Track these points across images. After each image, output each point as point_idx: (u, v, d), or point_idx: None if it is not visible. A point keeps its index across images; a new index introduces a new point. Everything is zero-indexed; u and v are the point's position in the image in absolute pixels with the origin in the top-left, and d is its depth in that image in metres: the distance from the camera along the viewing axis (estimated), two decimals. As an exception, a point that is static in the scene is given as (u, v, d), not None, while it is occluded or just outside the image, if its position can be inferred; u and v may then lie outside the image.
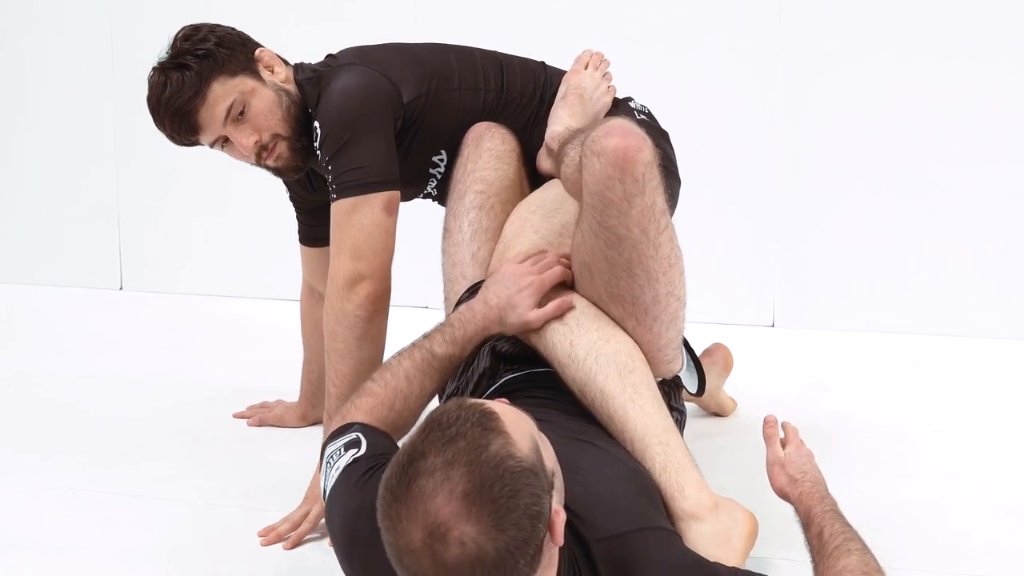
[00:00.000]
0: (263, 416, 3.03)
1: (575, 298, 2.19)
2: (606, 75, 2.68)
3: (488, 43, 2.79)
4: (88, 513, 2.50)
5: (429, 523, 1.47)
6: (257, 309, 4.08)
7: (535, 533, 1.50)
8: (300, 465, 2.60)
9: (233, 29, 2.58)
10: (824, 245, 3.78)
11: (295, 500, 2.40)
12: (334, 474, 1.88)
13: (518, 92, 2.65)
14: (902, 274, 3.71)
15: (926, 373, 3.37)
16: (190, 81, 2.45)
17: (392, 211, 2.45)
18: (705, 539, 1.96)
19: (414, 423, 2.03)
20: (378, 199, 2.43)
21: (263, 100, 2.50)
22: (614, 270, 2.11)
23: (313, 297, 2.97)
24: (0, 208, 4.61)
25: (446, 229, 2.53)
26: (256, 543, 2.30)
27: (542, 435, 1.63)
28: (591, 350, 2.13)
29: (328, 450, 1.93)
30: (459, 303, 2.37)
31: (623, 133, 2.04)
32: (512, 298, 2.18)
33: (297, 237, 2.95)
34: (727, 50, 3.79)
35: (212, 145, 2.55)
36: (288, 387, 3.08)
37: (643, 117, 2.65)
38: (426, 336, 2.18)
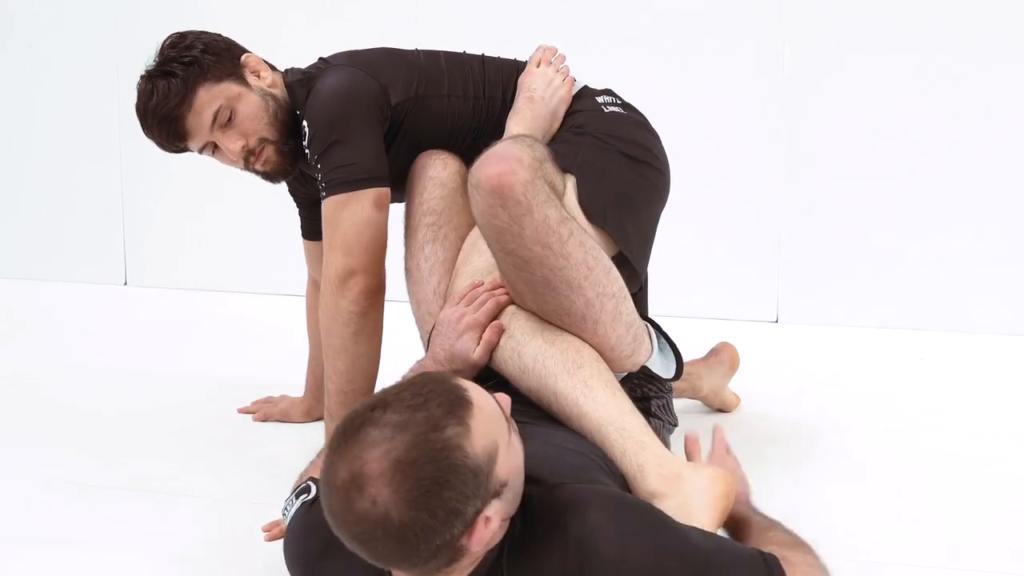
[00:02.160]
0: (268, 411, 3.04)
1: (514, 311, 2.20)
2: (560, 69, 2.64)
3: (487, 43, 2.79)
4: (93, 508, 2.51)
5: (355, 470, 1.51)
6: (261, 304, 4.09)
7: (447, 527, 1.52)
8: (304, 460, 2.60)
9: (220, 36, 2.60)
10: (828, 241, 3.78)
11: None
12: (287, 522, 1.90)
13: (511, 99, 2.64)
14: (906, 270, 3.71)
15: (930, 369, 3.38)
16: (176, 88, 2.49)
17: (382, 207, 2.47)
18: (671, 513, 1.94)
19: None
20: (367, 195, 2.45)
21: (249, 105, 2.53)
22: (535, 290, 2.13)
23: (318, 291, 2.95)
24: (4, 204, 4.62)
25: (407, 270, 2.52)
26: (260, 538, 2.31)
27: (516, 445, 1.63)
28: (537, 356, 2.14)
29: (287, 511, 1.93)
30: (430, 341, 2.37)
31: (496, 160, 2.06)
32: (454, 347, 2.20)
33: (300, 232, 2.96)
34: (729, 48, 3.78)
35: (201, 151, 2.59)
36: (293, 382, 3.09)
37: (613, 110, 2.60)
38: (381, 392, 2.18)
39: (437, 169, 2.53)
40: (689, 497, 1.96)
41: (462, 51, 2.72)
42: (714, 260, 3.88)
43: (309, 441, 2.73)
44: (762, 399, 3.01)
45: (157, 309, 4.20)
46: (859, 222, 3.75)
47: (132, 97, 2.62)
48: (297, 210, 2.94)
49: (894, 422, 2.94)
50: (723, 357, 2.96)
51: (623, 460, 2.03)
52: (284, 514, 1.94)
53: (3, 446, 2.88)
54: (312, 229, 2.90)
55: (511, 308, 2.21)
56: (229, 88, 2.52)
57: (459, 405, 1.55)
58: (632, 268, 2.38)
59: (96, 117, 4.40)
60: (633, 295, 2.34)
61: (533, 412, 2.13)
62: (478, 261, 2.32)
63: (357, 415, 1.56)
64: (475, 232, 2.41)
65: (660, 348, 2.35)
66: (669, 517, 1.76)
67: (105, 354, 3.69)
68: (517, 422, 1.69)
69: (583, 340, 2.17)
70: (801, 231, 3.81)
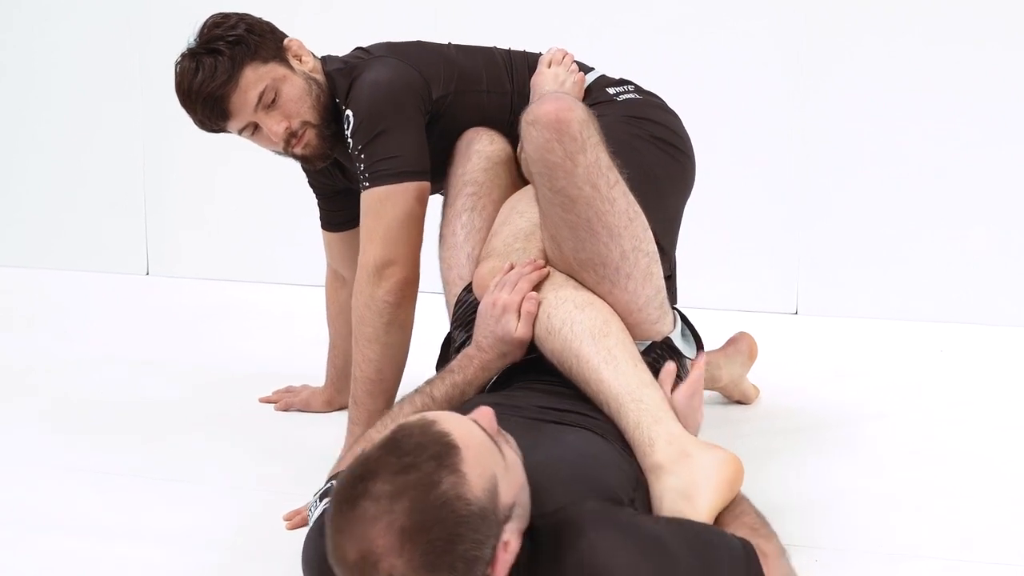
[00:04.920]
0: (289, 400, 3.05)
1: (550, 275, 2.21)
2: (571, 68, 2.67)
3: (507, 36, 2.80)
4: (116, 496, 2.52)
5: (364, 548, 1.49)
6: (283, 294, 4.10)
7: (471, 574, 1.51)
8: (324, 449, 2.62)
9: (261, 19, 2.60)
10: (847, 233, 3.78)
11: (320, 484, 2.42)
12: (310, 522, 1.89)
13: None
14: (926, 262, 3.71)
15: (949, 361, 3.37)
16: (223, 66, 2.47)
17: (423, 202, 2.49)
18: (671, 492, 1.94)
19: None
20: (411, 188, 2.47)
21: (294, 87, 2.53)
22: (576, 233, 2.14)
23: (337, 281, 2.99)
24: (28, 194, 4.64)
25: (441, 237, 2.55)
26: (281, 526, 2.32)
27: (513, 460, 1.63)
28: (566, 320, 2.14)
29: (314, 514, 1.92)
30: (458, 303, 2.39)
31: (553, 99, 2.12)
32: (495, 331, 2.19)
33: (319, 223, 2.97)
34: (748, 40, 3.78)
35: (241, 132, 2.57)
36: (314, 372, 3.10)
37: (627, 97, 2.63)
38: (428, 382, 2.18)
39: (483, 143, 2.57)
40: (694, 477, 1.95)
41: (491, 45, 2.74)
42: (734, 252, 3.88)
43: (329, 431, 2.76)
44: (781, 390, 3.01)
45: (179, 299, 4.22)
46: (879, 214, 3.74)
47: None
48: (316, 201, 2.95)
49: (913, 414, 2.94)
50: (741, 347, 2.96)
51: (635, 432, 2.03)
52: (310, 512, 1.94)
53: (27, 435, 2.90)
54: (331, 220, 2.92)
55: (548, 271, 2.22)
56: (275, 69, 2.51)
57: (447, 454, 1.53)
58: (661, 248, 2.40)
59: (119, 108, 4.41)
60: (665, 279, 2.36)
61: (543, 390, 2.13)
62: (520, 221, 2.34)
63: (347, 490, 1.53)
64: (514, 197, 2.45)
65: (683, 334, 2.36)
66: (664, 532, 1.75)
67: (127, 343, 3.71)
68: (528, 420, 1.68)
69: (614, 298, 2.18)
70: (821, 223, 3.80)
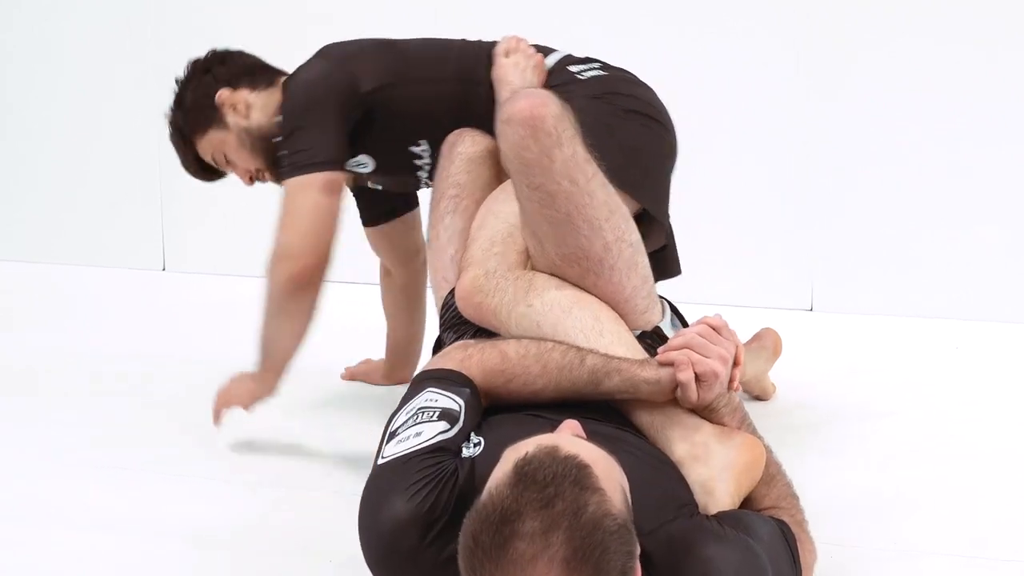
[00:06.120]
0: (353, 371, 3.22)
1: (533, 280, 2.19)
2: (529, 55, 2.66)
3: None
4: (132, 491, 2.54)
5: None
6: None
7: None
8: (343, 446, 2.64)
9: (208, 69, 2.79)
10: (862, 229, 3.77)
11: (337, 480, 2.45)
12: (409, 440, 1.78)
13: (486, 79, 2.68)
14: (941, 258, 3.70)
15: (965, 358, 3.36)
16: (179, 145, 2.83)
17: (331, 192, 2.56)
18: (694, 487, 1.93)
19: (508, 403, 1.96)
20: (317, 179, 2.55)
21: (231, 146, 2.75)
22: (557, 228, 2.14)
23: (388, 276, 3.17)
24: (44, 189, 4.66)
25: (427, 240, 2.59)
26: (295, 523, 2.33)
27: (622, 471, 1.62)
28: (556, 325, 2.12)
29: (424, 397, 1.86)
30: (444, 305, 2.39)
31: (527, 95, 2.14)
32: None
33: (359, 221, 3.08)
34: (759, 33, 3.78)
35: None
36: (333, 365, 3.18)
37: (592, 74, 2.63)
38: (594, 351, 2.02)
39: (466, 145, 2.59)
40: (712, 471, 1.95)
41: (454, 38, 2.81)
42: (748, 248, 3.88)
43: (350, 428, 2.80)
44: (796, 387, 3.00)
45: (195, 294, 4.23)
46: (894, 210, 3.73)
47: (170, 83, 2.72)
48: (353, 200, 3.03)
49: (928, 411, 2.93)
50: (766, 342, 2.96)
51: (650, 430, 2.01)
52: (419, 411, 1.83)
53: (44, 430, 2.92)
54: (363, 216, 3.07)
55: (531, 277, 2.20)
56: (213, 136, 2.76)
57: (584, 476, 1.51)
58: (655, 222, 2.41)
59: (134, 103, 4.42)
60: (661, 249, 2.36)
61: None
62: (496, 223, 2.32)
63: (491, 536, 1.47)
64: (490, 197, 2.45)
65: (672, 324, 2.35)
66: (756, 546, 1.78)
67: (143, 339, 3.72)
68: (593, 433, 1.69)
69: (599, 290, 2.17)
70: (836, 219, 3.80)
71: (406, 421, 1.83)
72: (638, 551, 1.55)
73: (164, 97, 2.83)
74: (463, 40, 2.79)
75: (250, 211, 4.42)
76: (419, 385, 1.93)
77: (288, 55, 2.85)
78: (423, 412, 1.84)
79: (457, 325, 2.28)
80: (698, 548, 1.70)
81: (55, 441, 2.83)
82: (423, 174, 2.77)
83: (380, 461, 1.80)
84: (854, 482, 2.50)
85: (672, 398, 1.99)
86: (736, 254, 3.87)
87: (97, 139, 4.55)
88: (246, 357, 3.33)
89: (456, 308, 2.28)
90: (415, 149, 2.71)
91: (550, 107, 2.10)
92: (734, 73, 3.80)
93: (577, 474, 1.50)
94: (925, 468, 2.58)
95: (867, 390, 3.10)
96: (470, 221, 2.47)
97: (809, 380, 3.11)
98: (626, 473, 1.62)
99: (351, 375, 3.23)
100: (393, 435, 1.83)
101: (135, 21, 4.39)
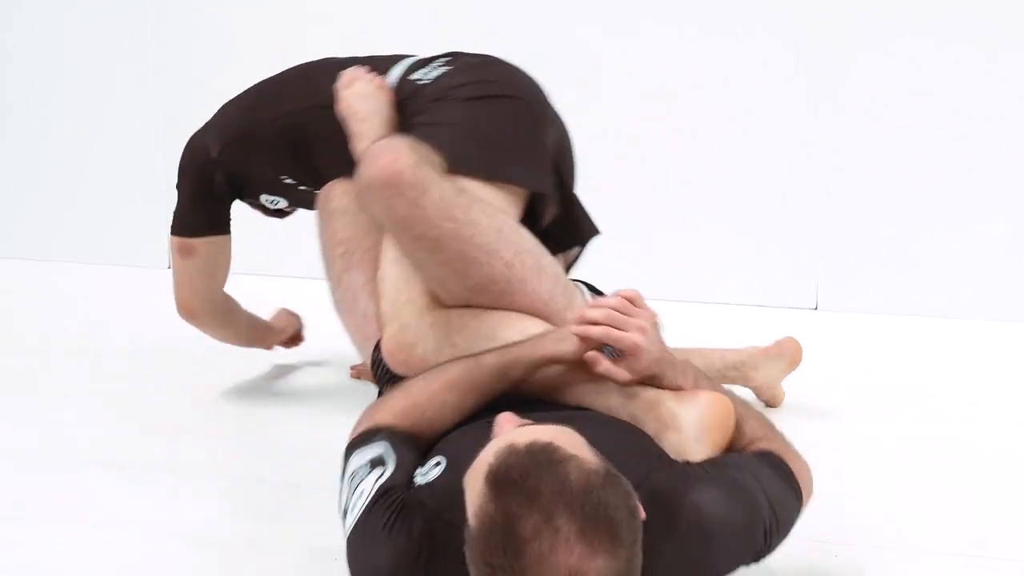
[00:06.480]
0: (360, 368, 3.19)
1: (437, 317, 2.20)
2: (371, 81, 2.59)
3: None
4: (132, 490, 2.53)
5: (572, 570, 1.45)
6: (307, 289, 4.09)
7: (637, 522, 1.52)
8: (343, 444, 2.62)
9: None
10: (868, 228, 3.77)
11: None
12: (358, 502, 1.81)
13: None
14: (947, 258, 3.69)
15: (968, 357, 3.36)
16: None
17: (184, 253, 2.93)
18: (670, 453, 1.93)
19: (439, 433, 1.97)
20: (173, 243, 2.95)
21: None
22: (455, 268, 2.15)
23: None
24: (45, 188, 4.66)
25: (334, 304, 2.58)
26: (296, 523, 2.33)
27: (581, 437, 1.62)
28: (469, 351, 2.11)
29: (352, 464, 1.89)
30: (374, 364, 2.35)
31: (376, 155, 2.13)
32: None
33: None
34: (763, 32, 3.77)
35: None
36: (338, 363, 3.19)
37: (436, 72, 2.57)
38: (491, 350, 2.07)
39: (337, 199, 2.59)
40: (685, 435, 1.96)
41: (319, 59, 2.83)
42: (753, 247, 3.87)
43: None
44: (801, 386, 2.99)
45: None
46: (899, 209, 3.73)
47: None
48: None
49: (930, 410, 2.93)
50: (784, 351, 2.92)
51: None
52: (351, 479, 1.86)
53: (51, 428, 2.91)
54: None
55: (446, 316, 2.20)
56: None
57: (551, 451, 1.52)
58: (538, 184, 2.39)
59: (139, 101, 4.42)
60: (564, 217, 2.39)
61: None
62: (394, 270, 2.28)
63: (498, 551, 1.47)
64: (384, 245, 2.35)
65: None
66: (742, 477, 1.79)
67: (148, 337, 3.71)
68: (545, 415, 1.71)
69: (519, 305, 2.17)
70: (841, 218, 3.79)
71: (349, 492, 1.85)
72: (631, 486, 1.55)
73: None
74: (309, 63, 2.82)
75: (250, 211, 4.44)
76: (344, 460, 1.94)
77: (288, 55, 2.85)
78: (355, 475, 1.85)
79: (395, 379, 2.24)
80: (683, 496, 1.71)
81: (55, 441, 2.82)
82: (286, 204, 3.02)
83: (347, 536, 1.81)
84: (856, 480, 2.49)
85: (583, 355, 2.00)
86: (741, 254, 3.87)
87: (98, 138, 4.54)
88: (248, 357, 3.34)
89: (386, 365, 2.27)
90: (271, 194, 2.91)
91: (404, 158, 2.09)
92: (734, 73, 3.79)
93: (544, 456, 1.51)
94: (928, 466, 2.58)
95: (871, 388, 3.09)
96: (368, 272, 2.46)
97: (813, 379, 3.10)
98: (589, 438, 1.63)
99: (358, 373, 3.22)
100: (346, 512, 1.84)
101: (135, 21, 4.39)
